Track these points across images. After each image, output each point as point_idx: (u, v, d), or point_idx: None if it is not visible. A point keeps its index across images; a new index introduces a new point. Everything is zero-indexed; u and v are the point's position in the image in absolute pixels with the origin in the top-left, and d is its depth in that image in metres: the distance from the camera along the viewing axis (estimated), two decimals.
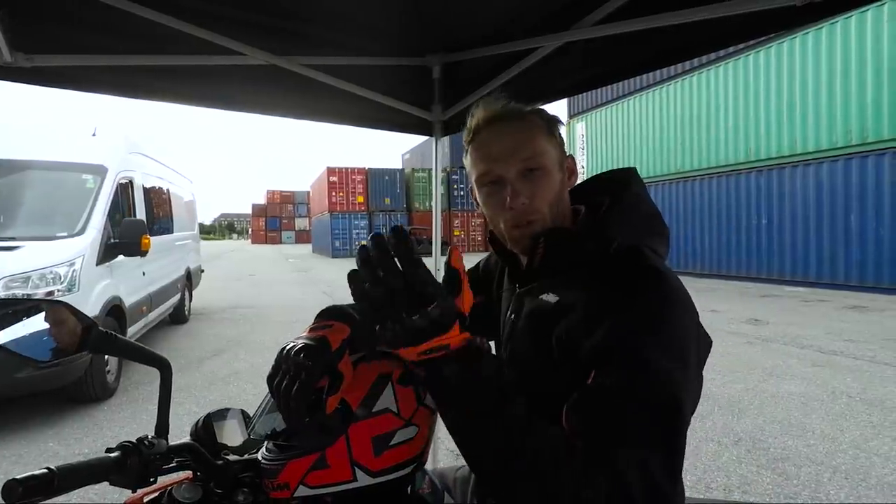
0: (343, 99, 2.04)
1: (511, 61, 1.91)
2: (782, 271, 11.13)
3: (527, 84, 1.94)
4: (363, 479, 0.84)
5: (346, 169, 30.50)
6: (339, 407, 0.82)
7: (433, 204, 2.36)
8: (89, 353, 0.80)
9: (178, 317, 7.69)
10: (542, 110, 0.87)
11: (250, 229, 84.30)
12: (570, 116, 18.25)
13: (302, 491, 0.84)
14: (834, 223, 10.12)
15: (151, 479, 0.79)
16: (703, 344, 0.75)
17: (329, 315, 0.89)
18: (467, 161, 0.90)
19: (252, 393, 4.38)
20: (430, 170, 32.02)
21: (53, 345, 0.78)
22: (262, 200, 78.43)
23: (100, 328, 0.78)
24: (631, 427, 0.64)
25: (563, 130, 0.89)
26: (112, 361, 4.42)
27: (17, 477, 0.62)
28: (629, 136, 15.44)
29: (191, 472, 0.90)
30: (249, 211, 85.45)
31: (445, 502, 0.98)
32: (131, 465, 0.74)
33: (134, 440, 0.77)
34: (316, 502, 0.85)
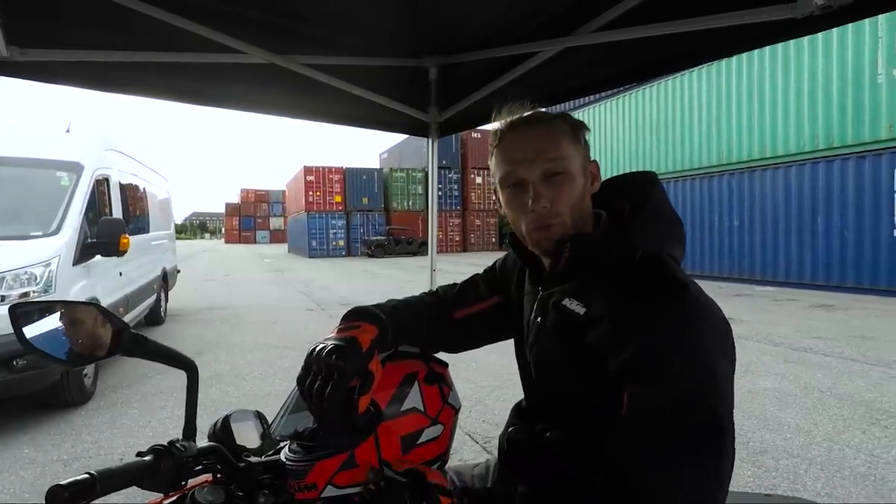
0: (341, 99, 2.05)
1: (508, 65, 1.93)
2: (753, 271, 11.48)
3: (524, 88, 1.96)
4: None
5: (324, 168, 30.19)
6: (370, 406, 0.83)
7: (429, 204, 2.38)
8: (121, 355, 0.79)
9: (155, 318, 7.51)
10: (568, 115, 0.89)
11: (224, 228, 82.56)
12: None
13: (330, 491, 0.84)
14: (802, 225, 10.49)
15: (182, 483, 0.79)
16: (732, 353, 0.76)
17: (356, 315, 0.90)
18: (492, 163, 0.91)
19: (234, 395, 4.32)
20: (408, 169, 31.97)
21: (83, 347, 0.77)
22: (235, 199, 77.03)
23: (132, 330, 0.77)
24: (668, 450, 0.68)
25: (588, 136, 0.91)
26: (90, 365, 4.30)
27: (62, 483, 0.61)
28: (605, 138, 15.70)
29: (210, 475, 0.90)
30: (223, 210, 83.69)
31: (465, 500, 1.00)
32: (164, 468, 0.73)
33: (165, 443, 0.77)
34: (343, 502, 0.86)
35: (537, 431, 0.89)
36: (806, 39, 10.02)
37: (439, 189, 31.70)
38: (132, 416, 3.90)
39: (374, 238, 28.19)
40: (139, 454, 0.75)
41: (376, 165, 37.79)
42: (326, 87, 1.97)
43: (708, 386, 0.70)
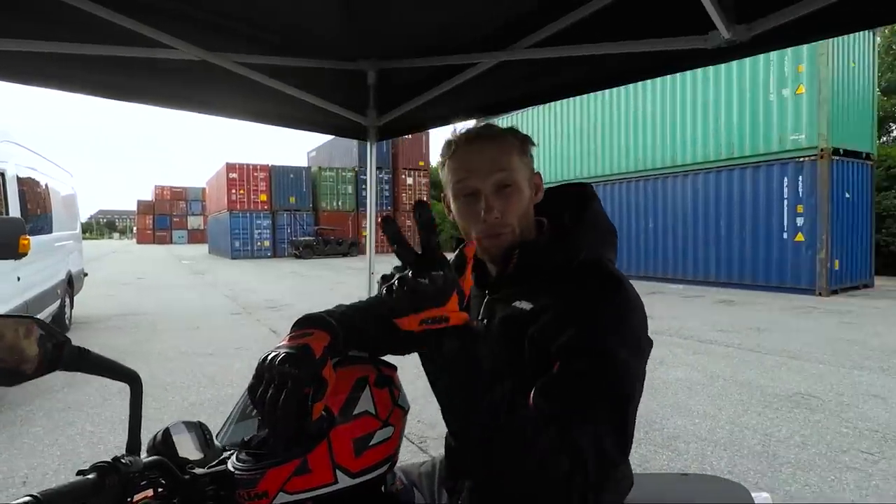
0: (277, 99, 2.00)
1: (448, 74, 1.98)
2: (666, 270, 12.38)
3: (462, 97, 2.03)
4: (344, 481, 0.87)
5: (248, 165, 28.84)
6: (323, 412, 0.84)
7: (368, 206, 2.38)
8: (63, 370, 0.75)
9: (59, 326, 6.83)
10: (517, 130, 0.95)
11: (135, 228, 76.61)
12: (476, 123, 18.82)
13: (282, 498, 0.85)
14: (707, 227, 11.47)
15: (129, 500, 0.76)
16: (649, 343, 0.86)
17: (308, 323, 0.91)
18: (443, 173, 0.96)
19: (154, 407, 4.06)
20: (338, 169, 31.36)
21: (20, 364, 0.72)
22: (149, 196, 71.78)
23: (73, 344, 0.74)
24: (590, 407, 0.74)
25: (533, 150, 0.97)
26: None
27: None
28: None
29: (150, 490, 0.87)
30: (134, 208, 77.66)
31: (415, 499, 1.04)
32: (109, 485, 0.71)
33: (109, 459, 0.74)
34: None
35: None
36: None
37: None
38: (35, 435, 3.56)
39: (302, 238, 27.34)
40: (80, 472, 0.72)
41: (304, 164, 36.74)
42: (262, 87, 1.93)
43: (633, 362, 0.79)
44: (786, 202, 10.13)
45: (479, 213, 0.89)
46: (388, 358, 1.05)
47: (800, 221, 9.94)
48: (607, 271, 0.87)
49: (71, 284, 7.50)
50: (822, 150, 9.56)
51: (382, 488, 0.96)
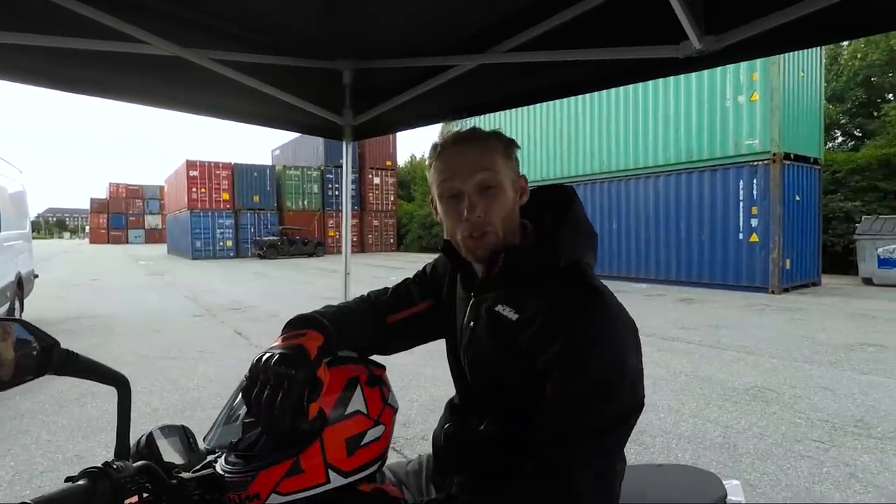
0: (253, 98, 1.97)
1: (425, 76, 1.99)
2: (630, 269, 12.73)
3: (440, 99, 2.05)
4: (336, 480, 0.88)
5: (210, 163, 27.98)
6: (318, 413, 0.85)
7: (342, 205, 2.37)
8: (52, 374, 0.72)
9: None
10: (502, 134, 0.97)
11: (88, 227, 73.22)
12: (446, 123, 18.88)
13: (274, 499, 0.84)
14: (668, 228, 11.86)
15: None
16: (637, 345, 0.87)
17: (301, 324, 0.91)
18: (430, 174, 0.97)
19: (113, 413, 3.91)
20: (303, 167, 30.83)
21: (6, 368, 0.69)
22: (102, 194, 68.70)
23: (62, 347, 0.71)
24: (583, 429, 0.80)
25: (518, 153, 1.00)
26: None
27: None
28: None
29: (135, 497, 0.85)
30: (87, 206, 74.19)
31: (403, 496, 1.05)
32: (101, 491, 0.69)
33: (99, 465, 0.72)
34: None
35: (472, 425, 0.96)
36: None
37: (336, 189, 31.33)
38: None
39: (267, 238, 26.74)
40: (69, 479, 0.70)
41: (268, 162, 35.96)
42: (237, 84, 1.89)
43: (617, 377, 0.82)
44: (741, 204, 10.58)
45: (463, 213, 0.91)
46: (376, 357, 1.06)
47: (754, 223, 10.40)
48: (588, 283, 0.89)
49: (21, 286, 7.13)
50: (774, 154, 10.03)
51: (371, 486, 0.97)
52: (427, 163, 0.98)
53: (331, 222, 31.00)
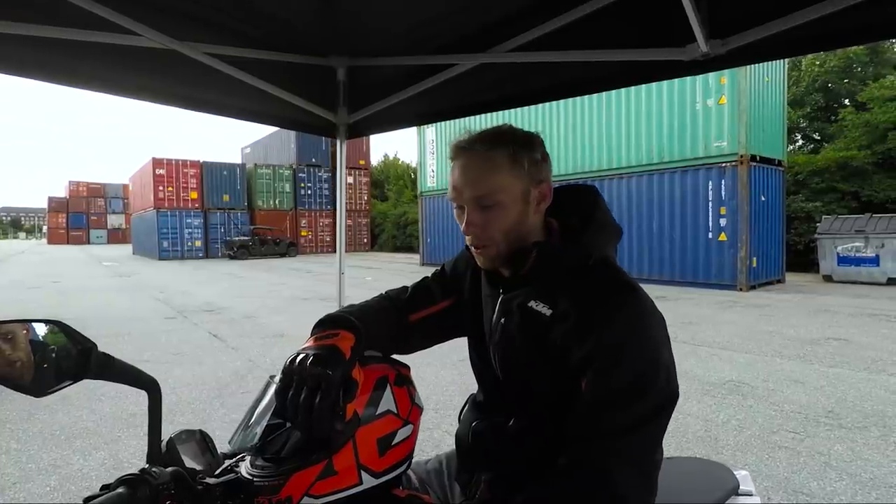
0: (245, 93, 1.93)
1: (423, 74, 1.98)
2: None
3: (439, 98, 2.04)
4: (368, 481, 0.87)
5: (177, 161, 27.22)
6: (353, 413, 0.83)
7: (337, 205, 2.33)
8: (91, 378, 0.69)
9: None
10: (513, 136, 0.93)
11: (46, 227, 70.22)
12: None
13: (306, 502, 0.83)
14: (640, 227, 12.11)
15: None
16: (666, 341, 0.90)
17: (332, 324, 0.89)
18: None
19: (91, 420, 3.77)
20: (275, 166, 30.29)
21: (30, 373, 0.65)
22: (61, 193, 65.98)
23: (99, 350, 0.68)
24: (621, 423, 0.80)
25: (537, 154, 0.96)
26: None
27: None
28: None
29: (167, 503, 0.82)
30: (44, 205, 71.17)
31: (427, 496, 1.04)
32: (141, 498, 0.67)
33: (136, 471, 0.69)
34: None
35: (499, 422, 0.96)
36: None
37: (309, 188, 30.87)
38: None
39: (238, 238, 26.16)
40: (104, 487, 0.67)
41: (238, 160, 35.20)
42: (229, 79, 1.84)
43: (652, 371, 0.83)
44: (710, 204, 10.89)
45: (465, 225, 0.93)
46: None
47: (723, 222, 10.72)
48: (621, 278, 0.90)
49: None
50: (741, 156, 10.37)
51: (406, 492, 0.96)
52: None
53: (303, 222, 30.58)
